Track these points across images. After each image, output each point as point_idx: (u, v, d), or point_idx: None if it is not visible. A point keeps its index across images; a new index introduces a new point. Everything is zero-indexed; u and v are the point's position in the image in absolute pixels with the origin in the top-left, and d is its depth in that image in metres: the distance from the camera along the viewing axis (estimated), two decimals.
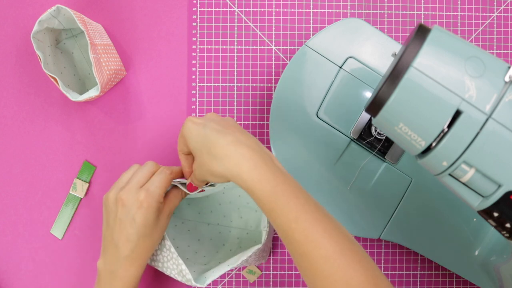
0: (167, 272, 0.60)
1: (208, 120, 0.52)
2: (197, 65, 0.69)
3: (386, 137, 0.63)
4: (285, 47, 0.70)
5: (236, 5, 0.70)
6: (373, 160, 0.64)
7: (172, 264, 0.59)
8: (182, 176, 0.59)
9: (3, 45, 0.69)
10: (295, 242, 0.47)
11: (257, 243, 0.65)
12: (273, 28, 0.70)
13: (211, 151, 0.49)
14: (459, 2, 0.70)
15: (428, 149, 0.44)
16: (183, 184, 0.58)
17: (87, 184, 0.68)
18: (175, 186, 0.59)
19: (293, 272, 0.69)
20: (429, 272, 0.69)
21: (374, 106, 0.44)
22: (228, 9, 0.70)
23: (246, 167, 0.48)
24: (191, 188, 0.58)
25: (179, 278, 0.59)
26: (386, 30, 0.70)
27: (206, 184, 0.57)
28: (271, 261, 0.69)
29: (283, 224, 0.47)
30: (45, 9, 0.69)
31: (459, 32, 0.70)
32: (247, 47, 0.70)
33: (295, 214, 0.47)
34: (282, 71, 0.68)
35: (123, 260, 0.56)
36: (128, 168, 0.60)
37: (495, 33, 0.70)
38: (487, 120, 0.41)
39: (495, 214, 0.44)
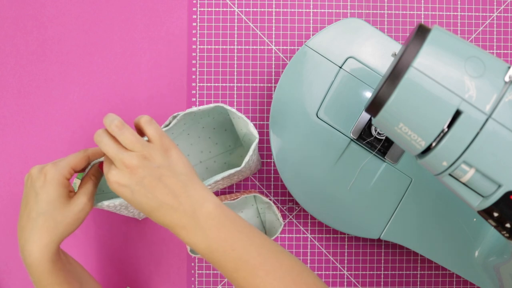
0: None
1: (134, 184, 0.46)
2: (197, 65, 0.69)
3: (386, 137, 0.63)
4: (285, 47, 0.70)
5: (236, 5, 0.70)
6: (373, 160, 0.64)
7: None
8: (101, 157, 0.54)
9: (3, 45, 0.69)
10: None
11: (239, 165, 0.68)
12: (273, 28, 0.70)
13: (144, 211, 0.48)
14: (459, 2, 0.70)
15: (428, 149, 0.44)
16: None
17: None
18: (91, 169, 0.54)
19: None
20: (429, 272, 0.69)
21: (374, 106, 0.44)
22: (228, 9, 0.70)
23: (179, 234, 0.48)
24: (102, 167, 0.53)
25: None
26: (386, 30, 0.69)
27: None
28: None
29: (225, 274, 0.49)
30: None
31: (459, 32, 0.70)
32: (247, 47, 0.69)
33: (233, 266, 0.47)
34: (282, 71, 0.68)
35: (26, 243, 0.49)
36: None
37: (495, 33, 0.70)
38: (487, 120, 0.41)
39: (495, 214, 0.44)
